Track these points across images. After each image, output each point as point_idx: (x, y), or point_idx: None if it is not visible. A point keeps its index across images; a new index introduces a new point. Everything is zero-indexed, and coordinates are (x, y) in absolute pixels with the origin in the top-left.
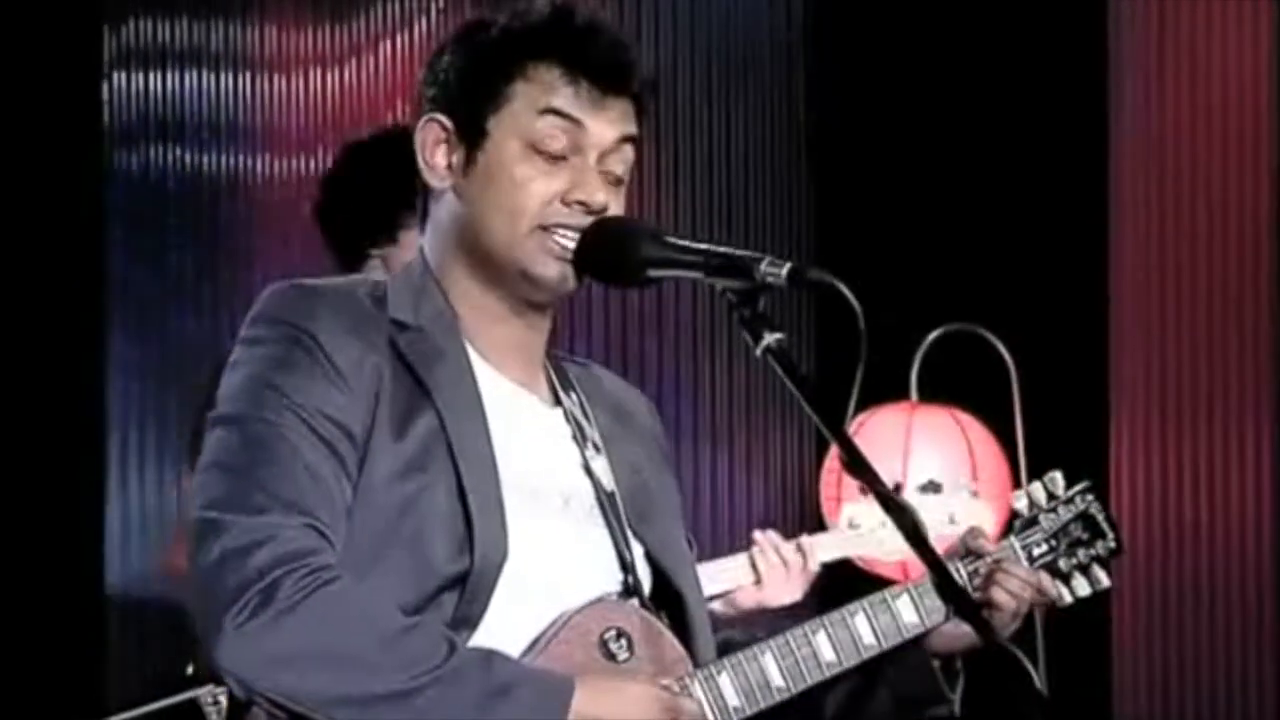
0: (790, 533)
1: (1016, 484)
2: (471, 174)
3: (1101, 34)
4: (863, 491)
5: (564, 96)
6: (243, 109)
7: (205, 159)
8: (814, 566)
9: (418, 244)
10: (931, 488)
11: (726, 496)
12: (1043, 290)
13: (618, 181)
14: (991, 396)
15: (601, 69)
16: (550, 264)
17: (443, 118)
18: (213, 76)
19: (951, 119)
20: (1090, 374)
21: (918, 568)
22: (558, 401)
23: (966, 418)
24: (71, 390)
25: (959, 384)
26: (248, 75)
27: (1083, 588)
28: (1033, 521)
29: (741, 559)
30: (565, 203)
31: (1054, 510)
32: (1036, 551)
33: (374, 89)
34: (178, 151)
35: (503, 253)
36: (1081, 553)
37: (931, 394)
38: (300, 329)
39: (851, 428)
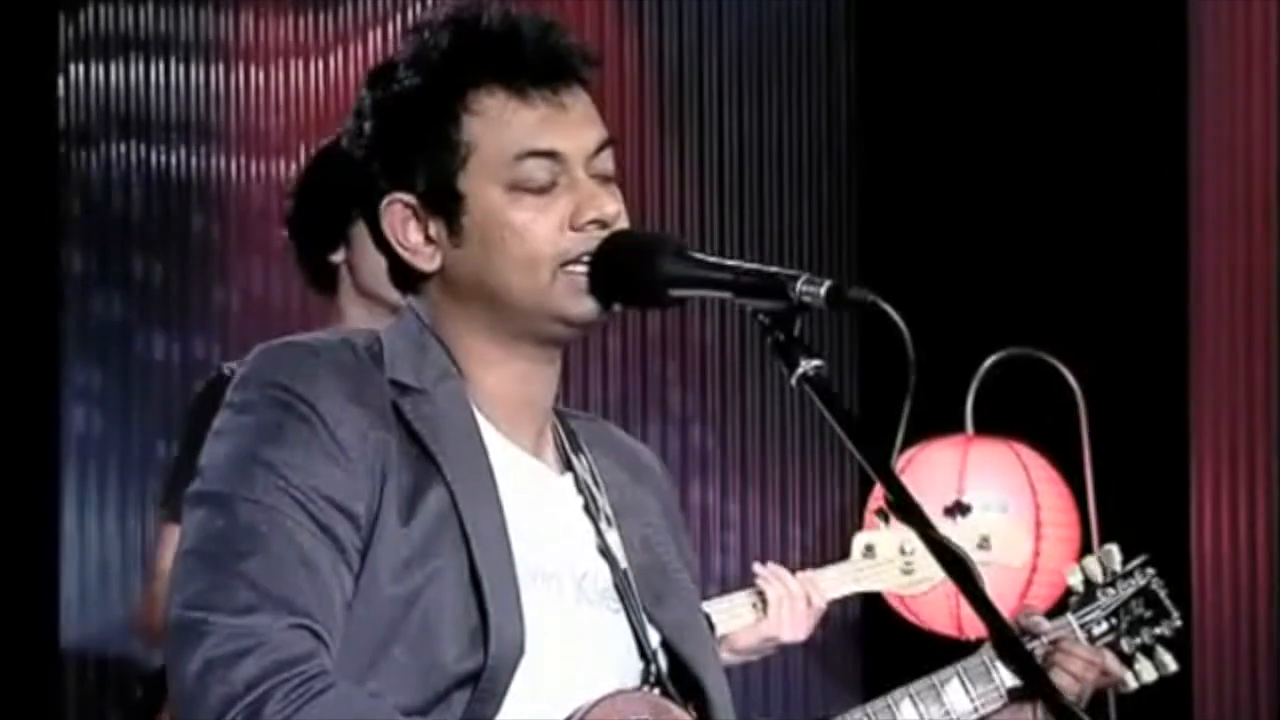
0: None
1: (1084, 526)
2: (462, 241)
3: (1181, 34)
4: (879, 514)
5: (528, 128)
6: (215, 105)
7: (173, 161)
8: (820, 603)
9: (401, 299)
10: (959, 510)
11: (757, 542)
12: (1113, 311)
13: (610, 179)
14: (1056, 428)
15: (543, 68)
16: (584, 300)
17: (402, 195)
18: (182, 69)
19: (1012, 119)
20: (1167, 402)
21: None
22: (567, 465)
23: (1028, 451)
24: (21, 421)
25: (1019, 414)
26: (221, 67)
27: (1148, 672)
28: (1090, 597)
29: (743, 596)
30: (575, 228)
31: (1112, 585)
32: (1097, 630)
33: (359, 84)
34: (142, 153)
35: (530, 304)
36: (1145, 632)
37: (989, 426)
38: (297, 395)
39: (899, 464)
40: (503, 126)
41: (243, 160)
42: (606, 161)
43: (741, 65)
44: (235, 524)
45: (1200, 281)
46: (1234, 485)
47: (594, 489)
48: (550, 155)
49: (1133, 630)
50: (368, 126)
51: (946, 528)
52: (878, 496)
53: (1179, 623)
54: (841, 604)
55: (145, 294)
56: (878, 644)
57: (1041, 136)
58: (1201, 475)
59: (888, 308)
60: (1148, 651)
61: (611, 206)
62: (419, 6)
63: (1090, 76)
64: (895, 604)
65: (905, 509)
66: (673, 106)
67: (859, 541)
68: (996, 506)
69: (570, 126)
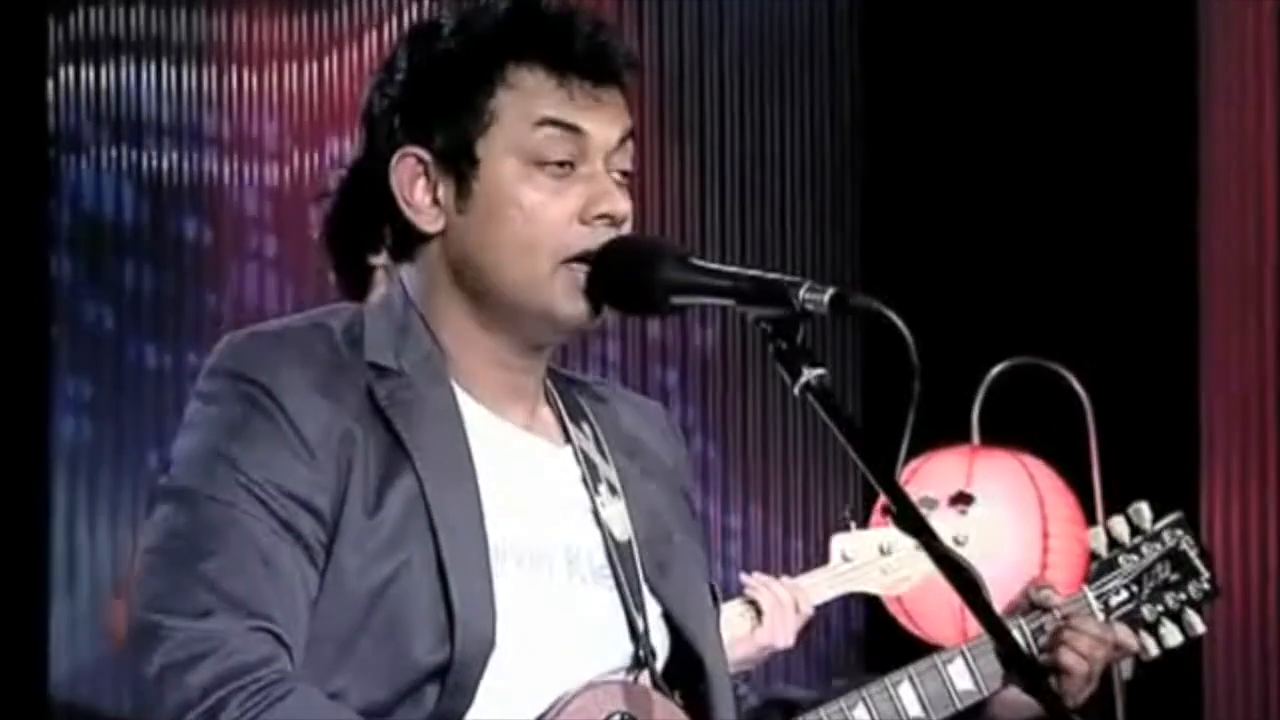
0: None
1: None
2: (468, 208)
3: (1191, 38)
4: (888, 513)
5: (556, 102)
6: (207, 109)
7: (165, 166)
8: (807, 609)
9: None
10: (926, 504)
11: (759, 554)
12: (1121, 319)
13: (627, 176)
14: (1064, 438)
15: (589, 62)
16: (577, 301)
17: (417, 150)
18: (173, 71)
19: (1019, 123)
20: (1177, 412)
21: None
22: (568, 437)
23: (1035, 463)
24: (9, 432)
25: (1026, 424)
26: (213, 70)
27: (1173, 636)
28: (1111, 565)
29: (735, 606)
30: (584, 221)
31: (1136, 550)
32: (1115, 600)
33: (356, 86)
34: (133, 157)
35: (522, 293)
36: (1170, 597)
37: (995, 436)
38: (260, 386)
39: (903, 475)
40: (531, 97)
41: (236, 165)
42: (626, 157)
43: (743, 66)
44: (196, 522)
45: (1210, 289)
46: (1245, 497)
47: (596, 459)
48: (573, 130)
49: (1155, 596)
50: (398, 77)
51: (951, 520)
52: (881, 508)
53: (1208, 585)
54: (844, 615)
55: (136, 302)
56: (880, 655)
57: (1049, 141)
58: (1212, 486)
59: (892, 315)
60: (1174, 616)
61: (624, 205)
62: (416, 8)
63: (1098, 80)
64: (899, 615)
65: (909, 521)
66: (673, 109)
67: (837, 545)
68: (1009, 527)
69: (600, 115)
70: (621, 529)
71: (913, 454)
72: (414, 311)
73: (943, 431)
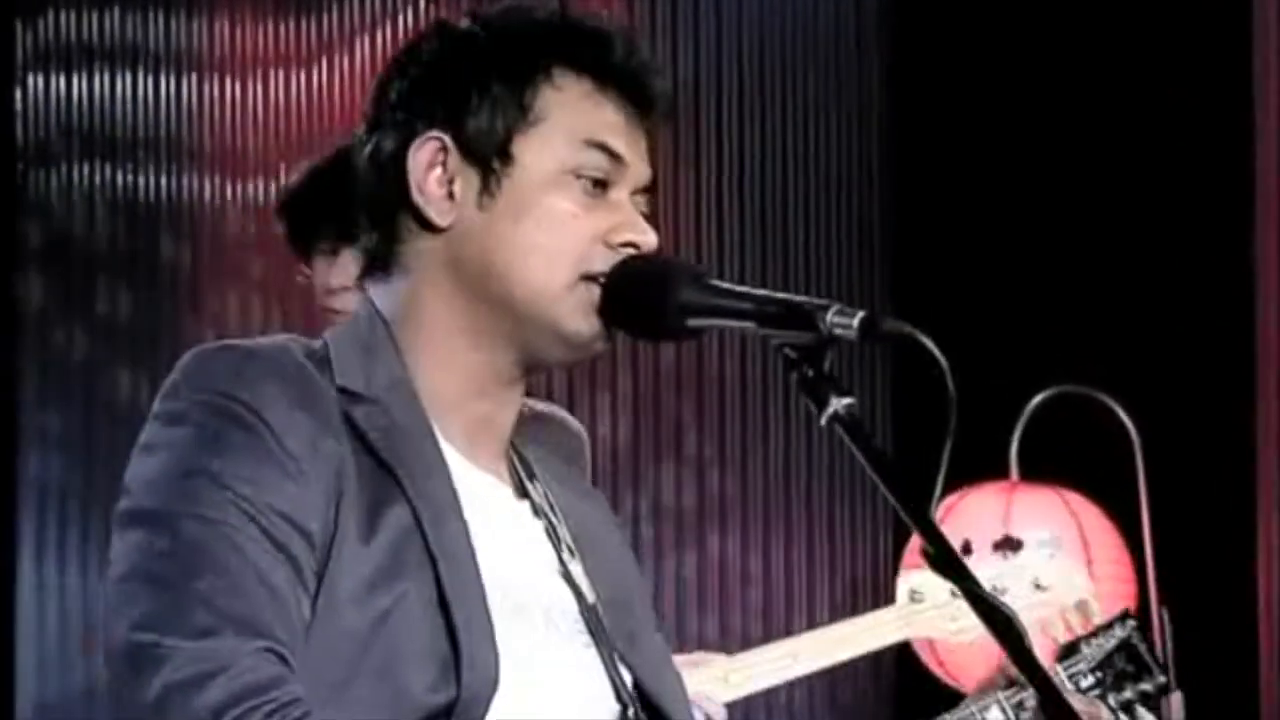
0: None
1: (1141, 579)
2: (491, 206)
3: (1245, 43)
4: (924, 555)
5: (608, 127)
6: (187, 121)
7: (141, 182)
8: (800, 672)
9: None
10: (1009, 546)
11: (782, 599)
12: (1171, 344)
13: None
14: (1109, 473)
15: (630, 79)
16: (591, 320)
17: (442, 135)
18: (151, 81)
19: (1061, 131)
20: (1231, 444)
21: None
22: (522, 491)
23: (1078, 499)
24: None
25: (1069, 458)
26: (193, 79)
27: None
28: (1073, 649)
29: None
30: (609, 245)
31: (1095, 636)
32: (1084, 684)
33: (348, 96)
34: (107, 173)
35: (534, 303)
36: (1130, 688)
37: (1036, 470)
38: (238, 401)
39: (938, 512)
40: (582, 111)
41: (218, 181)
42: (645, 204)
43: (763, 73)
44: (180, 542)
45: (1266, 312)
46: None
47: (551, 516)
48: (617, 159)
49: (1118, 686)
50: (425, 58)
51: (996, 571)
52: (914, 548)
53: (1162, 680)
54: (874, 662)
55: (111, 328)
56: (911, 707)
57: (1093, 150)
58: (1268, 523)
59: (926, 340)
60: (1128, 709)
61: (652, 239)
62: (410, 13)
63: (1147, 85)
64: (934, 667)
65: (944, 560)
66: (687, 119)
67: (905, 583)
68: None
69: (639, 150)
70: (588, 589)
71: (948, 490)
72: (382, 330)
73: (980, 466)
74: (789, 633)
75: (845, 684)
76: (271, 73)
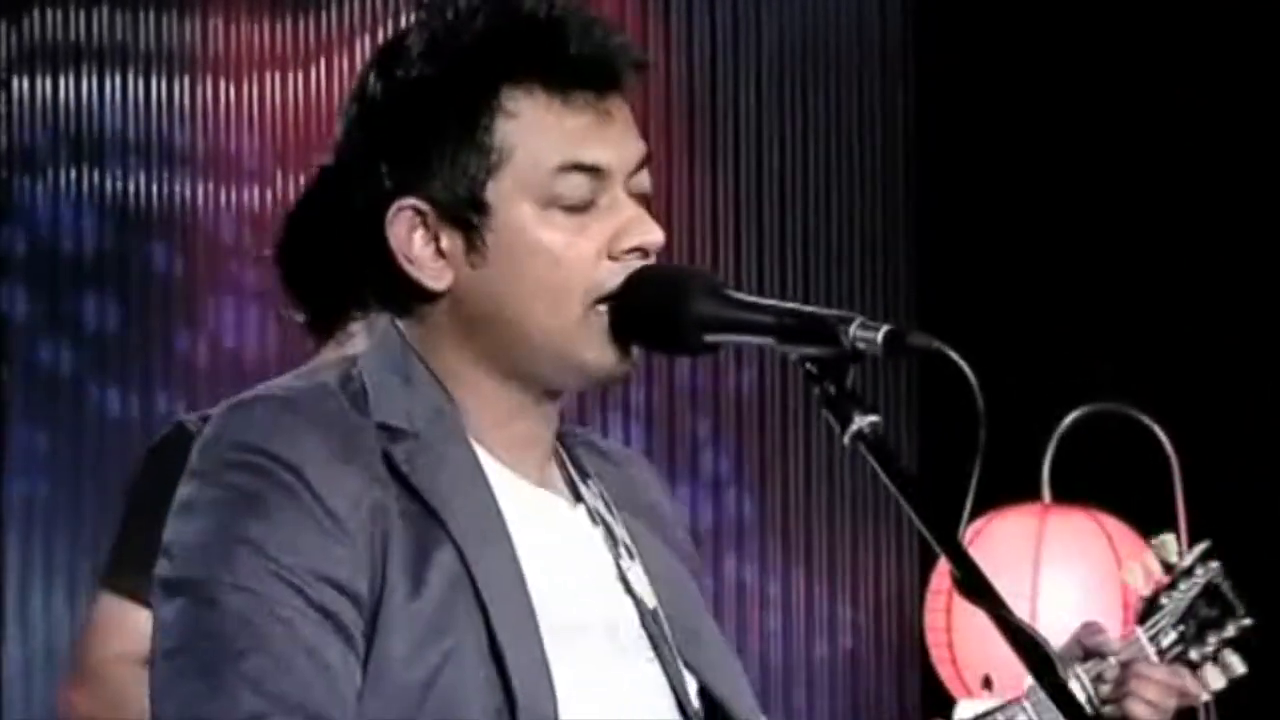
0: (883, 669)
1: None
2: (480, 260)
3: None
4: (953, 580)
5: (576, 138)
6: (179, 124)
7: (131, 188)
8: None
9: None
10: (986, 686)
11: (802, 625)
12: (1212, 360)
13: (648, 199)
14: (1145, 494)
15: (589, 68)
16: (608, 349)
17: (415, 201)
18: (141, 82)
19: (1096, 135)
20: (1273, 463)
21: None
22: (577, 496)
23: (1113, 522)
24: None
25: (1104, 479)
26: (186, 81)
27: (1215, 679)
28: (1154, 603)
29: None
30: (613, 256)
31: (1174, 586)
32: (1165, 642)
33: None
34: (96, 178)
35: (551, 343)
36: (1213, 637)
37: (1069, 492)
38: (277, 460)
39: (967, 536)
40: (542, 133)
41: (211, 187)
42: (645, 179)
43: (783, 75)
44: (223, 616)
45: None
46: None
47: (607, 519)
48: (594, 171)
49: (1200, 637)
50: (376, 112)
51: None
52: (942, 572)
53: (1247, 620)
54: (898, 691)
55: (99, 341)
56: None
57: (1130, 155)
58: None
59: (954, 355)
60: (1215, 657)
61: (656, 235)
62: (410, 13)
63: (1184, 92)
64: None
65: (974, 586)
66: (703, 126)
67: (961, 713)
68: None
69: (615, 137)
70: (648, 595)
71: (977, 512)
72: (414, 358)
73: (1010, 487)
74: (809, 659)
75: (867, 710)
76: (267, 74)
